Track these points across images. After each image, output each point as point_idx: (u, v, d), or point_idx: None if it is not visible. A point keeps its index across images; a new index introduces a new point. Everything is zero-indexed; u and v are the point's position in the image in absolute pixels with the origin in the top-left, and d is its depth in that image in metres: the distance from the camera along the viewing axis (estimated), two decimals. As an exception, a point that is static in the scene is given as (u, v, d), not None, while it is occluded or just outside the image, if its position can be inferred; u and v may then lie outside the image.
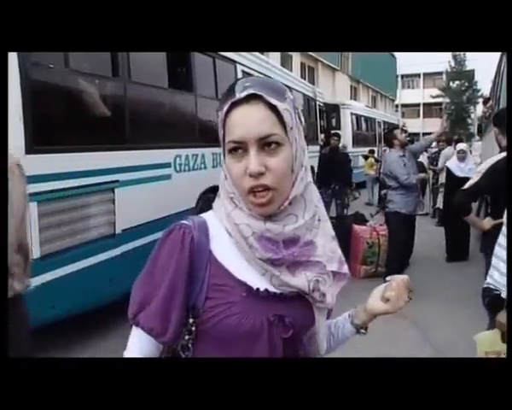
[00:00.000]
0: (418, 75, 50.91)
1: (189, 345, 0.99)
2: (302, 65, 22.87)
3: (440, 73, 42.40)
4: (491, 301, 1.85)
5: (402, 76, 50.33)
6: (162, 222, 4.67)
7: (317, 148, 11.82)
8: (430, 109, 48.13)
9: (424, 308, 4.54)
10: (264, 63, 8.36)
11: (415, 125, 42.45)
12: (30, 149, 3.24)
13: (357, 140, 16.95)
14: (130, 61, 4.33)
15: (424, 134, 39.42)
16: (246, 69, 7.13)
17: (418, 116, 49.65)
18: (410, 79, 52.43)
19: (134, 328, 1.00)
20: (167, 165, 4.92)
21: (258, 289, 0.96)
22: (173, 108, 5.33)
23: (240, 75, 6.88)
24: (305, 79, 17.23)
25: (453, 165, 6.88)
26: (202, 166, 5.68)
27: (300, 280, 0.98)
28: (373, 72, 34.36)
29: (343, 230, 5.97)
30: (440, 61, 38.58)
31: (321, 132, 12.74)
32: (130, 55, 4.32)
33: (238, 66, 6.84)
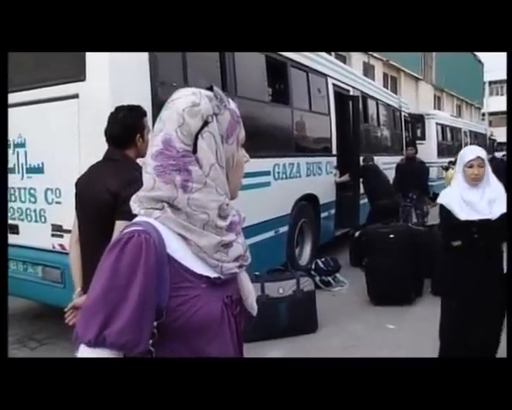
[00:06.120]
0: (508, 81, 48.31)
1: (151, 348, 0.99)
2: (384, 75, 22.66)
3: (534, 78, 39.94)
4: None
5: (490, 82, 48.01)
6: (261, 226, 5.03)
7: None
8: (521, 117, 45.46)
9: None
10: (353, 76, 8.57)
11: (504, 133, 40.33)
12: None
13: (442, 150, 16.55)
14: (237, 77, 4.74)
15: (514, 143, 37.32)
16: (336, 82, 7.38)
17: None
18: (499, 86, 49.76)
19: (90, 350, 0.93)
20: (267, 173, 5.28)
21: (215, 277, 1.06)
22: (273, 120, 5.68)
23: (330, 88, 7.15)
24: (387, 89, 17.10)
25: (456, 200, 3.05)
26: (298, 174, 6.01)
27: (236, 264, 1.11)
28: (458, 79, 33.16)
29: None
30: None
31: (406, 143, 12.64)
32: (237, 72, 4.72)
33: (329, 79, 7.12)
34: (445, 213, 3.12)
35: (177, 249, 1.03)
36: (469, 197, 2.98)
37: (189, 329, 1.02)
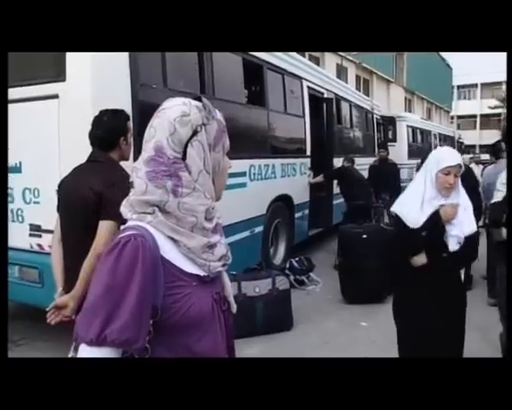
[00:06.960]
0: (475, 85, 49.71)
1: (147, 345, 1.05)
2: (357, 77, 23.02)
3: (500, 83, 41.14)
4: None
5: (458, 87, 49.36)
6: (237, 226, 5.10)
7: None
8: (488, 121, 46.83)
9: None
10: (327, 78, 8.73)
11: (471, 136, 41.56)
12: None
13: (413, 152, 16.92)
14: (215, 79, 4.80)
15: (481, 146, 38.47)
16: (310, 85, 7.51)
17: (475, 128, 48.43)
18: (466, 90, 51.26)
19: (90, 349, 0.97)
20: (243, 174, 5.37)
21: (204, 276, 1.13)
22: (249, 121, 5.75)
23: (305, 90, 7.27)
24: (360, 91, 17.39)
25: (413, 208, 2.54)
26: (273, 175, 6.10)
27: (220, 262, 1.19)
28: (428, 83, 33.95)
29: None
30: (500, 70, 37.46)
31: (378, 145, 12.88)
32: (215, 74, 4.78)
33: (304, 81, 7.24)
34: (402, 223, 2.55)
35: (168, 251, 1.09)
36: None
37: (183, 325, 1.08)
